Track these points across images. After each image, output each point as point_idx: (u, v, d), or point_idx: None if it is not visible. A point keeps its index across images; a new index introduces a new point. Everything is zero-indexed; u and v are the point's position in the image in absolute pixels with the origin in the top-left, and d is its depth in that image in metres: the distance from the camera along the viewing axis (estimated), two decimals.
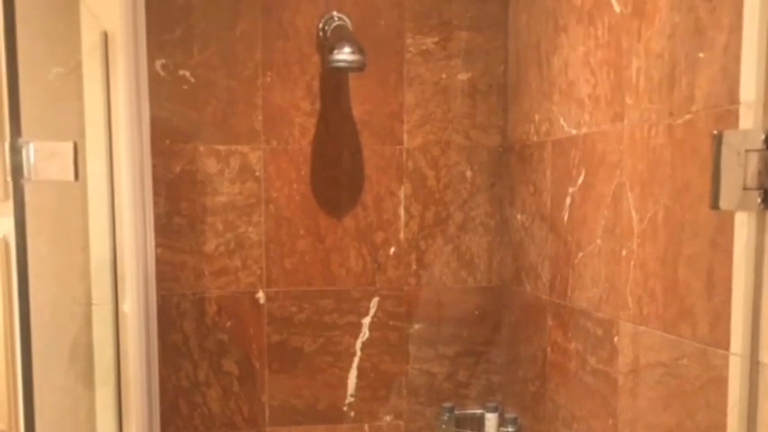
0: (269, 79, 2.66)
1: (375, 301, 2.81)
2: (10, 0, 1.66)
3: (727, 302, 1.50)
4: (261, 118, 2.67)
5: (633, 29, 1.87)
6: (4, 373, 2.03)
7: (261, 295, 2.72)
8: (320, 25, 2.67)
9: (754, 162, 1.25)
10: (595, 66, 2.07)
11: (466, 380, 2.91)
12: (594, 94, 2.08)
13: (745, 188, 1.27)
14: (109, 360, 2.30)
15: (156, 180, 2.52)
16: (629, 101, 1.89)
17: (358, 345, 2.82)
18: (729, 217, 1.47)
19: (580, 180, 2.18)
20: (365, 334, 2.82)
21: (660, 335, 1.77)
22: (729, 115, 1.48)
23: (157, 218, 2.54)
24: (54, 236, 2.12)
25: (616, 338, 1.98)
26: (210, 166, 2.64)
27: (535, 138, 2.51)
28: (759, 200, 1.27)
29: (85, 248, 2.27)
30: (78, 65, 2.23)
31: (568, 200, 2.25)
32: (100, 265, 2.29)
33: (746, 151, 1.26)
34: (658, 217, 1.76)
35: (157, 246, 2.55)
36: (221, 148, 2.64)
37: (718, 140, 1.29)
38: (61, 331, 2.18)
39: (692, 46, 1.63)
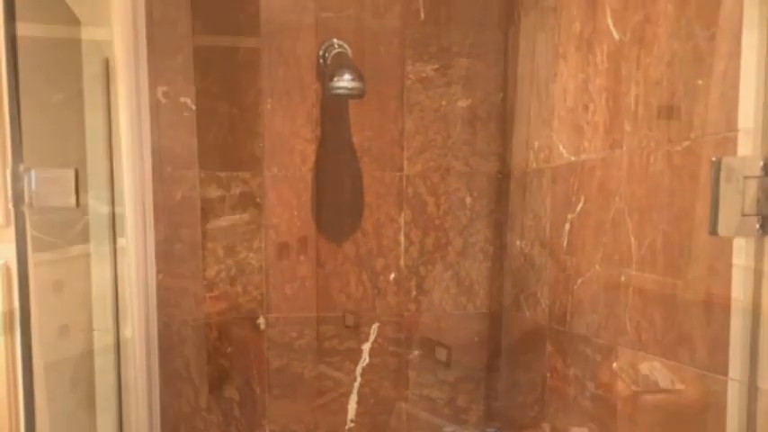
0: (269, 106, 2.68)
1: (375, 327, 2.81)
2: (12, 27, 1.67)
3: (725, 328, 1.50)
4: (261, 145, 2.68)
5: (632, 56, 1.88)
6: (6, 400, 2.02)
7: (261, 321, 2.73)
8: (320, 53, 2.69)
9: (752, 189, 1.26)
10: (594, 92, 2.09)
11: (466, 405, 2.91)
12: (593, 121, 2.10)
13: (743, 214, 1.28)
14: (110, 386, 2.31)
15: (156, 206, 2.52)
16: (627, 128, 1.91)
17: (358, 370, 2.82)
18: (728, 243, 1.48)
19: (579, 206, 2.19)
20: (365, 360, 2.82)
21: (659, 360, 1.77)
22: (728, 142, 1.49)
23: (158, 244, 2.54)
24: (55, 262, 2.13)
25: (615, 364, 1.99)
26: (211, 192, 2.64)
27: (534, 165, 2.51)
28: (757, 226, 1.28)
29: (87, 275, 2.28)
30: (80, 92, 2.24)
31: (567, 226, 2.26)
32: (101, 292, 2.29)
33: (745, 178, 1.27)
34: (657, 243, 1.77)
35: (158, 272, 2.55)
36: (222, 174, 2.65)
37: (716, 167, 1.30)
38: (63, 357, 2.18)
39: (691, 73, 1.64)
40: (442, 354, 2.88)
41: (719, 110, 1.53)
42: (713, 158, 1.32)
